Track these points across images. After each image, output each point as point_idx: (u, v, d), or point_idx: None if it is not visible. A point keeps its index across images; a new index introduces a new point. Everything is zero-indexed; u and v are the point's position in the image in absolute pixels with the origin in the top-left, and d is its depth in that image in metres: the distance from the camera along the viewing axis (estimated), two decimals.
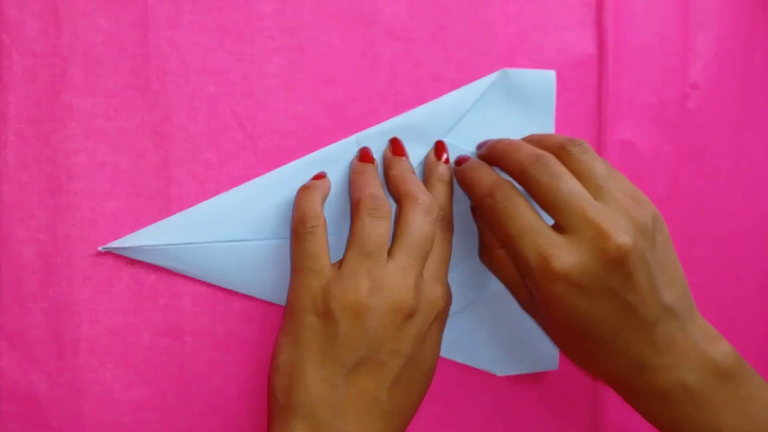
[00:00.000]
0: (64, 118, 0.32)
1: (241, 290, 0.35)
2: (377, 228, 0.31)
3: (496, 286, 0.40)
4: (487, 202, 0.33)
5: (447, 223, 0.35)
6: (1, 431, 0.32)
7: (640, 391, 0.34)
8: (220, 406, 0.35)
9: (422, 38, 0.38)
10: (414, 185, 0.33)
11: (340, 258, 0.32)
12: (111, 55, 0.32)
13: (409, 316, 0.31)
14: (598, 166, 0.33)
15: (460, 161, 0.37)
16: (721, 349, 0.33)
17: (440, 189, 0.36)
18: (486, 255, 0.37)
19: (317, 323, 0.31)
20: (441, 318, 0.34)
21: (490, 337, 0.41)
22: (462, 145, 0.38)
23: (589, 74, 0.43)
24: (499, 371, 0.41)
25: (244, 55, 0.35)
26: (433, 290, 0.33)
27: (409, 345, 0.31)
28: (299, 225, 0.32)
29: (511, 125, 0.39)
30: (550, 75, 0.41)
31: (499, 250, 0.35)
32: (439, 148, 0.37)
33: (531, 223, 0.32)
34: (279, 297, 0.35)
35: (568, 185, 0.32)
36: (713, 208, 0.49)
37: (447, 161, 0.37)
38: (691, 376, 0.32)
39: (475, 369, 0.41)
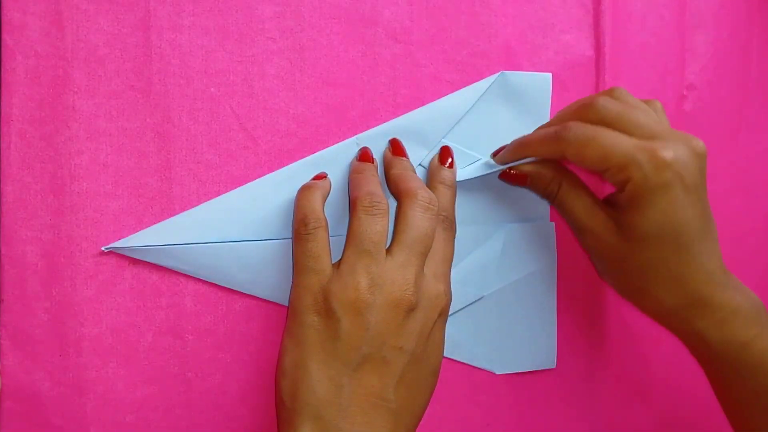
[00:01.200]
0: (66, 118, 0.32)
1: (243, 290, 0.35)
2: (374, 225, 0.32)
3: (496, 284, 0.40)
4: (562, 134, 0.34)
5: (450, 224, 0.35)
6: (3, 430, 0.32)
7: (720, 345, 0.35)
8: (222, 405, 0.35)
9: (422, 40, 0.38)
10: (414, 182, 0.34)
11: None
12: (113, 57, 0.33)
13: (410, 311, 0.31)
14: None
15: (497, 153, 0.38)
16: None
17: (443, 192, 0.36)
18: (559, 192, 0.37)
19: (319, 322, 0.31)
20: (444, 315, 0.34)
21: (489, 335, 0.41)
22: (460, 146, 0.39)
23: (587, 75, 0.43)
24: (498, 370, 0.41)
25: (245, 57, 0.35)
26: (435, 287, 0.33)
27: (413, 341, 0.31)
28: (301, 226, 0.32)
29: (508, 126, 0.40)
30: (546, 77, 0.41)
31: (565, 188, 0.36)
32: (445, 153, 0.38)
33: (613, 135, 0.33)
34: (281, 297, 0.36)
35: (637, 114, 0.34)
36: (711, 209, 0.49)
37: (451, 165, 0.37)
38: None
39: (474, 367, 0.41)
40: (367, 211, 0.32)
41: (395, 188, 0.34)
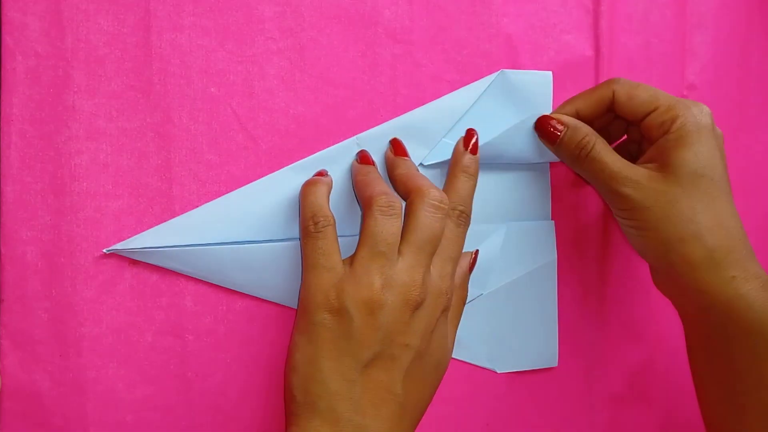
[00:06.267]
0: (66, 118, 0.32)
1: (244, 291, 0.35)
2: (389, 227, 0.32)
3: (496, 283, 0.40)
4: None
5: (465, 219, 0.35)
6: (3, 430, 0.32)
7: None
8: (222, 405, 0.35)
9: (422, 39, 0.38)
10: (423, 180, 0.34)
11: (347, 256, 0.33)
12: (113, 57, 0.33)
13: (416, 309, 0.32)
14: None
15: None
16: None
17: (464, 181, 0.36)
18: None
19: (331, 320, 0.31)
20: (447, 311, 0.34)
21: (490, 334, 0.41)
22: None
23: (587, 76, 0.43)
24: (500, 368, 0.41)
25: (245, 57, 0.35)
26: (439, 285, 0.33)
27: (418, 338, 0.32)
28: (310, 223, 0.33)
29: (509, 124, 0.40)
30: (547, 75, 0.41)
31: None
32: (469, 135, 0.37)
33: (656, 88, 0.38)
34: (281, 297, 0.36)
35: None
36: None
37: (475, 150, 0.37)
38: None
39: (474, 366, 0.41)
40: (384, 212, 0.32)
41: (403, 187, 0.34)
